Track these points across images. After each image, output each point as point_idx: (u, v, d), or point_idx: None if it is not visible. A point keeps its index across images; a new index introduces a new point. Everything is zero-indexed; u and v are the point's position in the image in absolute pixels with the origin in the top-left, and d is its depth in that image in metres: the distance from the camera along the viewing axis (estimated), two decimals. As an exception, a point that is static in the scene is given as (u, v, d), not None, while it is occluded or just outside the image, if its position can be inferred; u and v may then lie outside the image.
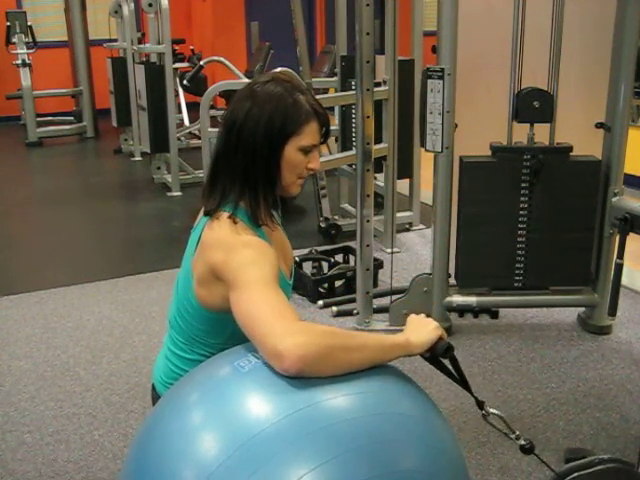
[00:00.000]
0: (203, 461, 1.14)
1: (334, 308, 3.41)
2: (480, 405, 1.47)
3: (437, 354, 1.39)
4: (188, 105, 6.32)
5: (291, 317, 1.25)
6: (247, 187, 1.48)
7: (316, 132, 1.50)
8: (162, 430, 1.24)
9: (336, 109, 5.00)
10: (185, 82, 6.00)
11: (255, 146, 1.45)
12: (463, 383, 1.49)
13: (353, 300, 3.36)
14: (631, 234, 2.71)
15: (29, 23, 7.94)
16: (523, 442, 1.48)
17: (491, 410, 1.45)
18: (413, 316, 1.44)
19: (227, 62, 5.63)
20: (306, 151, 1.49)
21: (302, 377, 1.19)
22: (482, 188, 3.00)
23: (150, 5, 5.72)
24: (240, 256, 1.38)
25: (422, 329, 1.38)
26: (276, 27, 8.16)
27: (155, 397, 1.71)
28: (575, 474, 1.87)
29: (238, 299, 1.32)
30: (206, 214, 1.51)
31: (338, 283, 3.66)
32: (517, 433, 1.48)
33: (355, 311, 3.31)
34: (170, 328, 1.65)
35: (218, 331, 1.53)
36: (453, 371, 1.46)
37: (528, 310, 3.39)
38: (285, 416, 1.16)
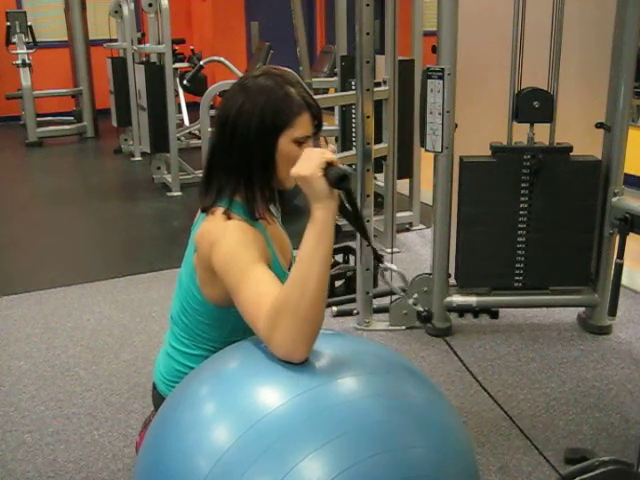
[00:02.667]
0: (216, 442, 1.19)
1: (334, 308, 3.41)
2: (378, 258, 1.44)
3: (331, 184, 1.27)
4: (188, 105, 6.31)
5: (260, 315, 1.29)
6: (242, 181, 1.50)
7: (308, 123, 1.51)
8: (177, 422, 1.28)
9: (336, 109, 5.00)
10: (185, 82, 5.99)
11: (249, 140, 1.47)
12: (360, 227, 1.43)
13: (353, 300, 3.36)
14: (631, 234, 2.71)
15: (29, 23, 7.92)
16: (421, 309, 1.45)
17: (389, 265, 1.43)
18: (293, 176, 1.32)
19: (227, 62, 5.62)
20: (300, 142, 1.50)
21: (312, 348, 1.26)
22: (482, 188, 3.00)
23: (150, 5, 5.72)
24: (220, 250, 1.41)
25: (312, 187, 1.28)
26: (276, 27, 8.16)
27: (156, 396, 1.71)
28: (577, 478, 1.87)
29: (235, 302, 1.38)
30: (203, 210, 1.53)
31: (338, 283, 3.66)
32: (415, 297, 1.45)
33: (355, 311, 3.31)
34: (173, 325, 1.66)
35: (222, 324, 1.54)
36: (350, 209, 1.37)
37: (528, 310, 3.39)
38: (293, 397, 1.20)
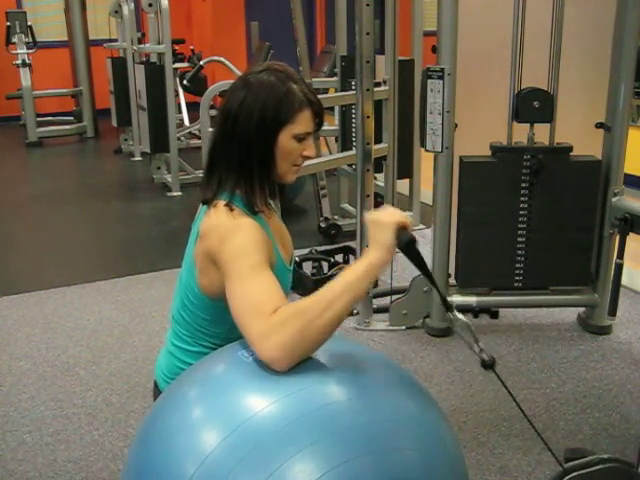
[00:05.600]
0: (201, 444, 1.19)
1: (334, 308, 3.40)
2: (449, 308, 1.46)
3: (400, 247, 1.36)
4: (188, 105, 6.31)
5: (266, 311, 1.29)
6: (243, 175, 1.50)
7: (309, 120, 1.51)
8: (163, 425, 1.28)
9: (336, 109, 5.00)
10: (185, 82, 6.00)
11: (249, 135, 1.47)
12: (429, 278, 1.47)
13: (353, 300, 3.35)
14: (631, 234, 2.72)
15: (29, 23, 7.93)
16: (485, 357, 1.48)
17: (459, 316, 1.45)
18: (369, 219, 1.39)
19: (227, 62, 5.62)
20: (300, 139, 1.50)
21: (298, 363, 1.26)
22: (482, 188, 3.00)
23: (150, 5, 5.72)
24: (232, 243, 1.41)
25: (379, 232, 1.36)
26: (276, 27, 8.16)
27: (158, 394, 1.72)
28: (574, 473, 1.87)
29: (228, 294, 1.38)
30: (204, 203, 1.54)
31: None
32: (481, 346, 1.48)
33: (355, 311, 3.31)
34: (174, 322, 1.66)
35: (222, 319, 1.54)
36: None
37: (528, 310, 3.39)
38: (279, 399, 1.20)
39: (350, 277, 1.32)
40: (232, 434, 1.16)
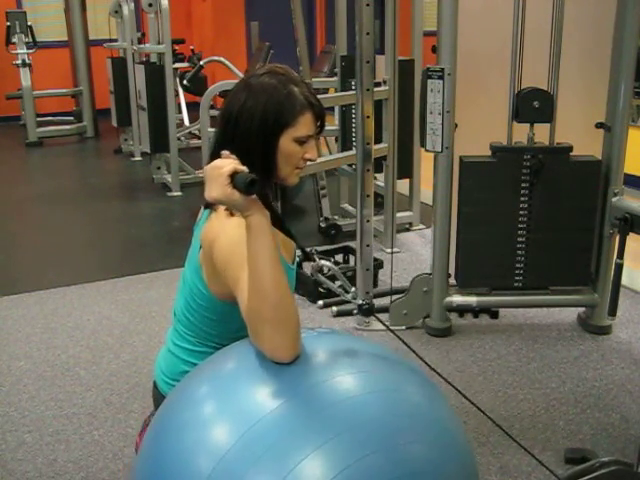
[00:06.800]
0: (218, 442, 1.19)
1: (334, 308, 3.41)
2: (309, 258, 1.45)
3: (243, 194, 1.26)
4: (188, 105, 6.31)
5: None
6: None
7: (311, 123, 1.51)
8: (177, 424, 1.28)
9: (336, 109, 5.00)
10: (185, 82, 6.00)
11: (250, 137, 1.47)
12: (285, 229, 1.48)
13: (353, 300, 3.35)
14: (631, 234, 2.71)
15: (29, 23, 7.93)
16: (361, 302, 1.47)
17: (322, 262, 1.44)
18: (207, 195, 1.31)
19: (227, 62, 5.63)
20: (301, 142, 1.50)
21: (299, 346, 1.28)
22: (482, 188, 3.00)
23: (150, 5, 5.72)
24: (219, 247, 1.41)
25: (227, 204, 1.31)
26: (276, 27, 8.16)
27: (157, 395, 1.71)
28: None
29: (237, 300, 1.37)
30: (206, 207, 1.53)
31: (338, 283, 3.66)
32: (354, 290, 1.47)
33: (355, 311, 3.31)
34: (177, 322, 1.65)
35: (229, 319, 1.54)
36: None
37: (528, 310, 3.39)
38: (292, 396, 1.20)
39: (252, 255, 1.29)
40: (248, 432, 1.16)
